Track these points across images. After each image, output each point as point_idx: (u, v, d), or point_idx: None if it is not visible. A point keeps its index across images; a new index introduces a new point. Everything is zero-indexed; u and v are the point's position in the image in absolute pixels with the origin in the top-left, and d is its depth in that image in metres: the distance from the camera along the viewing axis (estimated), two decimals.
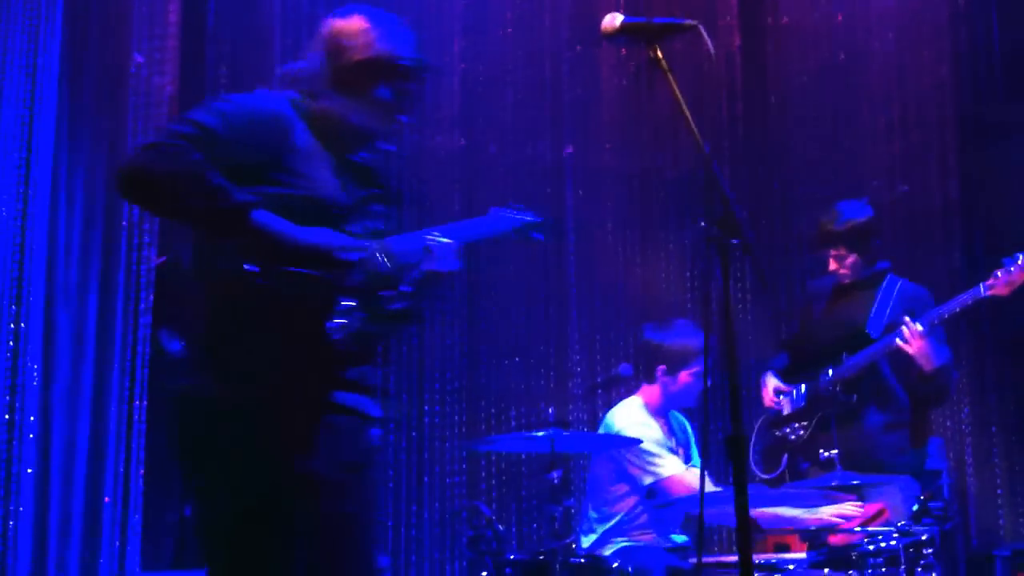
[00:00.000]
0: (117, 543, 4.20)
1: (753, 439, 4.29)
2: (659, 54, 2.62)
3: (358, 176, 2.47)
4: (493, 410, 5.15)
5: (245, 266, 2.17)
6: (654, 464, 4.00)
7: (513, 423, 5.13)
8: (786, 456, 4.16)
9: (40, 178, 4.19)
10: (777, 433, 4.22)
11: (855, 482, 3.63)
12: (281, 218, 2.22)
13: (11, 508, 3.95)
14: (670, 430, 4.23)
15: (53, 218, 4.26)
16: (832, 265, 4.18)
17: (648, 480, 4.01)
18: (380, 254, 2.36)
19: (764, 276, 2.58)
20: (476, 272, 5.27)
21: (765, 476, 4.19)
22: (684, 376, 4.11)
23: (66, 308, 4.26)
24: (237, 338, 2.27)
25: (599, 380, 5.21)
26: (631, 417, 4.14)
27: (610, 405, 5.08)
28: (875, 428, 4.00)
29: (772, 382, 4.29)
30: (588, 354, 5.40)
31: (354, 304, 2.27)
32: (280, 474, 2.26)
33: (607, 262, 5.55)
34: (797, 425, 4.13)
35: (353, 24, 2.40)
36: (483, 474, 5.08)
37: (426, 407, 5.06)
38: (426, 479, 4.98)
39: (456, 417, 5.09)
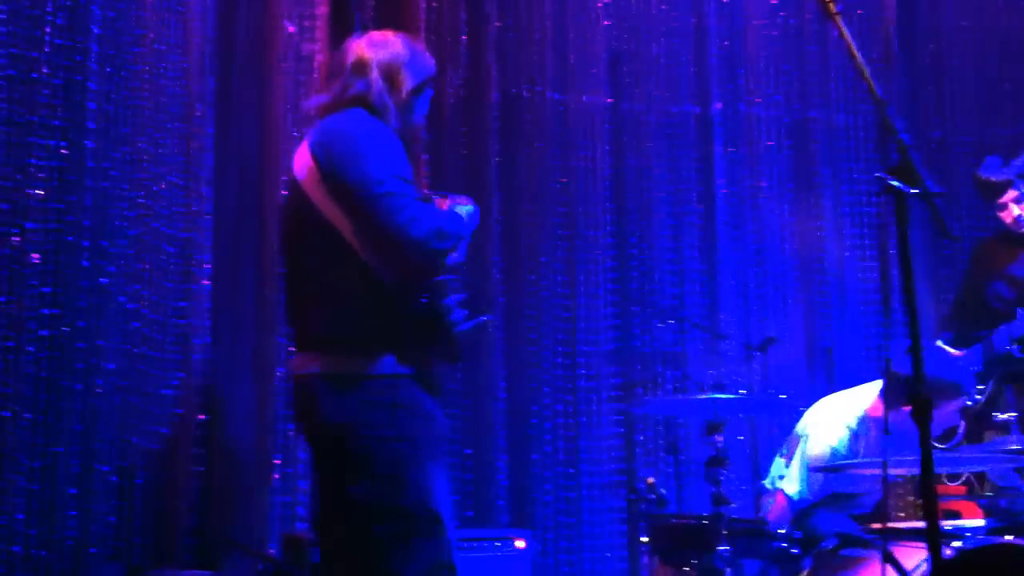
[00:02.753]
0: (286, 505, 4.32)
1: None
2: None
3: None
4: (650, 374, 5.07)
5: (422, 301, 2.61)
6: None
7: (670, 386, 5.05)
8: (963, 424, 3.98)
9: (202, 161, 4.29)
10: None
11: None
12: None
13: (186, 475, 4.08)
14: (855, 440, 4.01)
15: (217, 194, 4.36)
16: (1007, 217, 3.98)
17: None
18: None
19: (946, 226, 2.48)
20: (624, 234, 5.20)
21: (942, 447, 4.01)
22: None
23: (227, 280, 4.38)
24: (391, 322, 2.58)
25: (754, 343, 5.08)
26: (833, 419, 3.96)
27: (766, 368, 4.96)
28: None
29: (943, 351, 4.11)
30: (742, 316, 5.26)
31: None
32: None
33: (759, 219, 5.39)
34: (973, 391, 3.95)
35: (399, 53, 2.78)
36: (639, 437, 5.01)
37: (580, 370, 5.01)
38: (582, 443, 4.95)
39: (609, 380, 5.04)
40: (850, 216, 5.43)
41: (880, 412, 3.93)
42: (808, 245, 5.39)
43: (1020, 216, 4.12)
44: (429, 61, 2.87)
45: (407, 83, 2.76)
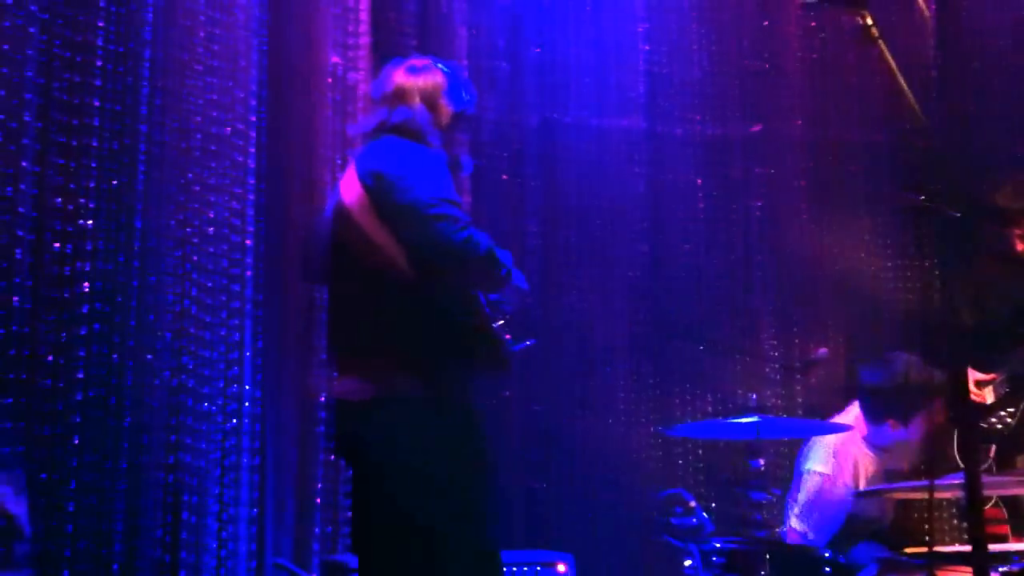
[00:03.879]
0: (329, 527, 4.35)
1: (956, 434, 4.07)
2: (869, 20, 2.60)
3: None
4: (688, 396, 5.07)
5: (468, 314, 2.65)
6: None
7: (710, 408, 5.04)
8: (994, 447, 3.95)
9: (246, 176, 4.36)
10: (983, 425, 4.01)
11: None
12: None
13: (233, 495, 4.13)
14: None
15: (259, 214, 4.42)
16: (1019, 246, 3.97)
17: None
18: None
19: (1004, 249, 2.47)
20: (660, 251, 5.20)
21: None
22: (916, 422, 3.89)
23: (273, 298, 4.43)
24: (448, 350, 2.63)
25: (796, 364, 5.07)
26: (820, 449, 3.99)
27: (809, 389, 4.94)
28: None
29: (971, 374, 4.08)
30: (783, 337, 5.25)
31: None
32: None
33: (798, 239, 5.38)
34: (1004, 413, 3.93)
35: (439, 80, 2.83)
36: (679, 461, 5.01)
37: (619, 393, 5.02)
38: (619, 465, 4.95)
39: (647, 404, 5.04)
40: (890, 235, 5.40)
41: (863, 431, 3.94)
42: (848, 264, 5.37)
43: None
44: (469, 88, 2.91)
45: (448, 109, 2.80)
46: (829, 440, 3.98)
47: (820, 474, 3.94)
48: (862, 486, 3.94)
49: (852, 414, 4.06)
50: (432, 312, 2.60)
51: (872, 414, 3.94)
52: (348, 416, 2.67)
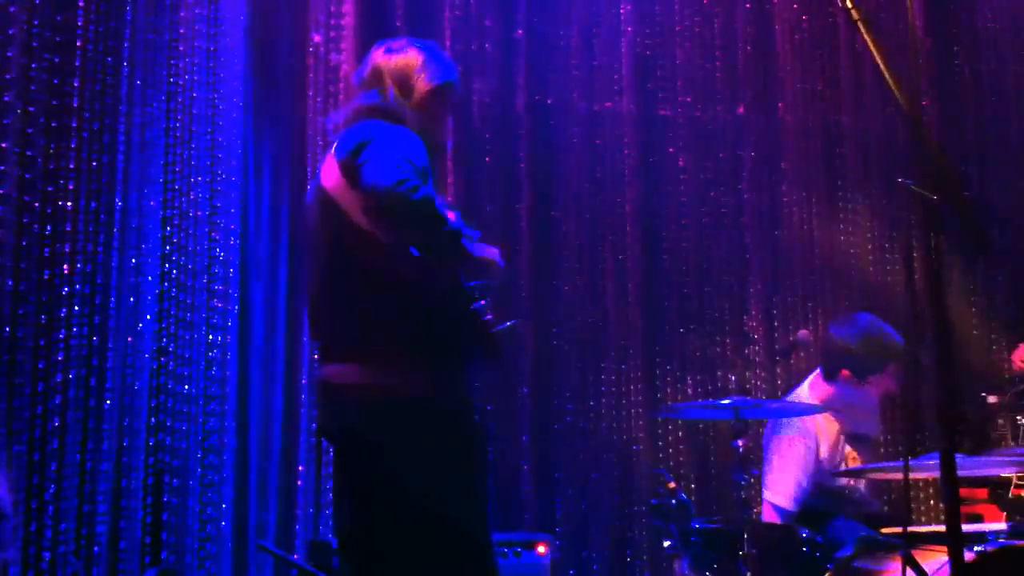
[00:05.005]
0: (311, 509, 4.36)
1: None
2: (849, 2, 2.56)
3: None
4: (670, 378, 5.09)
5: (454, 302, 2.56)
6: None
7: (690, 391, 5.06)
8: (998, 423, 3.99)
9: (229, 157, 4.34)
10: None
11: None
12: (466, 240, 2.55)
13: (215, 477, 4.13)
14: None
15: (244, 196, 4.41)
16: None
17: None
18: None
19: (983, 238, 2.40)
20: (651, 238, 5.21)
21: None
22: (872, 380, 3.96)
23: (258, 282, 4.43)
24: (434, 337, 2.54)
25: (778, 347, 5.08)
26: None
27: (790, 372, 4.96)
28: None
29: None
30: (766, 320, 5.26)
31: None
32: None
33: (785, 224, 5.38)
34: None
35: (413, 58, 2.74)
36: (660, 443, 5.02)
37: (603, 375, 5.03)
38: (606, 446, 4.96)
39: (634, 385, 5.05)
40: (879, 222, 5.41)
41: (822, 393, 3.98)
42: (835, 251, 5.38)
43: None
44: (447, 65, 2.81)
45: (421, 88, 2.73)
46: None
47: (784, 437, 3.97)
48: (824, 448, 3.97)
49: (808, 382, 4.12)
50: (413, 295, 2.54)
51: (830, 370, 3.99)
52: (331, 401, 2.63)
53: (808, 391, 4.09)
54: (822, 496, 3.94)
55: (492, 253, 2.62)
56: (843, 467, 4.01)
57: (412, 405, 2.48)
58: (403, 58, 2.76)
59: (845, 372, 3.94)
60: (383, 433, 2.47)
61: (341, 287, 2.60)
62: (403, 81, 2.73)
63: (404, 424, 2.46)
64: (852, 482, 3.98)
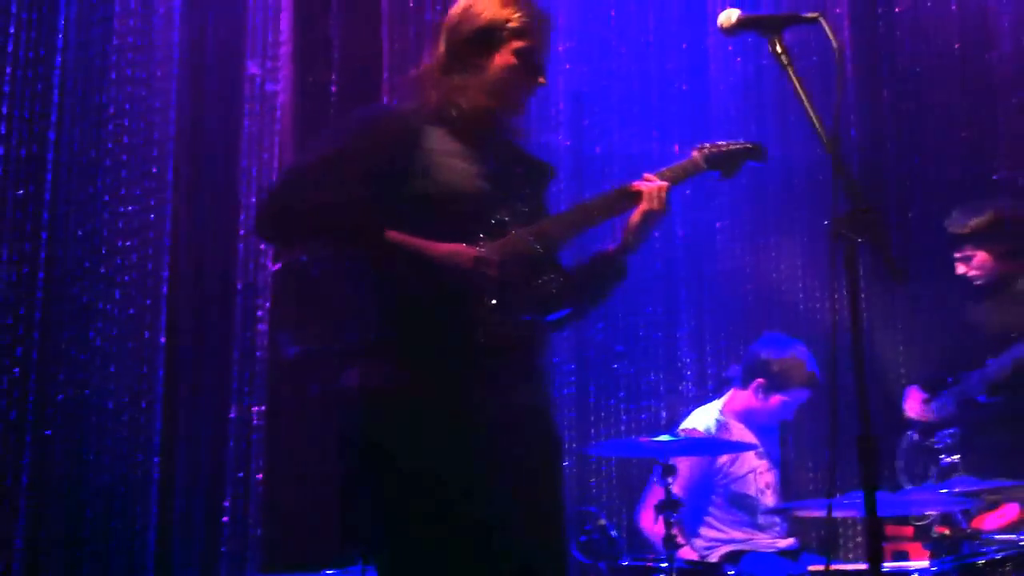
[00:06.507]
0: (236, 546, 4.28)
1: (900, 452, 4.29)
2: (780, 47, 2.60)
3: (501, 158, 2.46)
4: (602, 413, 5.09)
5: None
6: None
7: (623, 426, 5.07)
8: (934, 468, 4.08)
9: (163, 188, 4.30)
10: (925, 443, 4.16)
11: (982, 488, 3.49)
12: (415, 237, 2.28)
13: (139, 511, 4.05)
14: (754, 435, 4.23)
15: (175, 225, 4.36)
16: (960, 268, 4.12)
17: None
18: (524, 245, 2.38)
19: (897, 271, 2.41)
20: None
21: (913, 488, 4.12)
22: (776, 399, 4.15)
23: (187, 314, 4.37)
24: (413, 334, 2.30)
25: (710, 384, 5.13)
26: (707, 422, 4.19)
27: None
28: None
29: (916, 393, 4.29)
30: (699, 355, 5.30)
31: (496, 302, 2.30)
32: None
33: (718, 259, 5.44)
34: (946, 433, 4.05)
35: (459, 5, 2.46)
36: (593, 479, 5.02)
37: None
38: None
39: (567, 421, 5.04)
40: (805, 255, 5.48)
41: (738, 405, 4.11)
42: (767, 285, 5.45)
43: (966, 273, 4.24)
44: (505, 3, 2.44)
45: (467, 29, 2.43)
46: (702, 418, 4.22)
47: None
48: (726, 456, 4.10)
49: (726, 396, 4.30)
50: (389, 293, 2.33)
51: (746, 377, 4.20)
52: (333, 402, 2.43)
53: (709, 409, 4.26)
54: (732, 504, 4.02)
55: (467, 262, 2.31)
56: (752, 478, 4.14)
57: (412, 405, 2.29)
58: (451, 11, 2.51)
59: (760, 380, 4.08)
60: (384, 433, 2.30)
61: (307, 285, 2.50)
62: (448, 34, 2.48)
63: (404, 424, 2.30)
64: (762, 499, 4.10)
